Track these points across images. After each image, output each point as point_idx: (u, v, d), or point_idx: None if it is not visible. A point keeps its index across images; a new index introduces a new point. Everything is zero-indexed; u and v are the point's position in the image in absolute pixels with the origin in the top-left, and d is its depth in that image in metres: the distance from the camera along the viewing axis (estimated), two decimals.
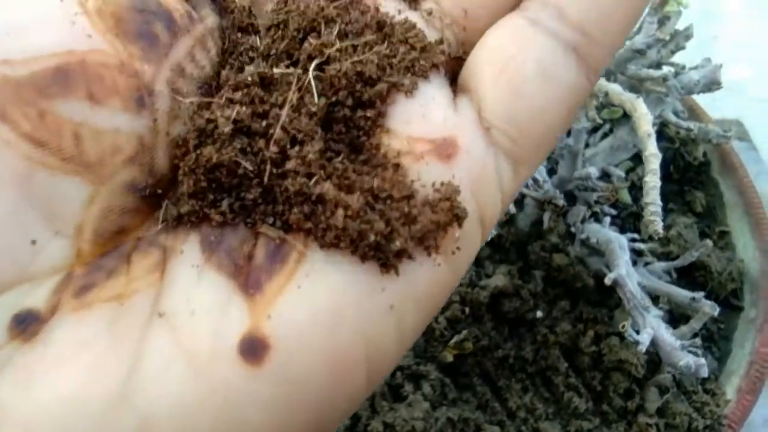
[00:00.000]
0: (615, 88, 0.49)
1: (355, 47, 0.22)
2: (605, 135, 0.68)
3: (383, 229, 0.19)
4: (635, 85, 0.56)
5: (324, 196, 0.19)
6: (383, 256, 0.19)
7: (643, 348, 0.44)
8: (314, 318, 0.18)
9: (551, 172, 0.62)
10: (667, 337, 0.46)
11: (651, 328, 0.46)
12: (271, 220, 0.20)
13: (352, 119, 0.21)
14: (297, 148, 0.21)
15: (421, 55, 0.23)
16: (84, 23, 0.19)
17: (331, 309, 0.19)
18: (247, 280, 0.19)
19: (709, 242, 0.55)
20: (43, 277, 0.18)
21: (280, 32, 0.23)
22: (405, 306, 0.20)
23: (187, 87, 0.21)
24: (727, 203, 0.67)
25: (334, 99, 0.22)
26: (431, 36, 0.25)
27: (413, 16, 0.25)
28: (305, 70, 0.21)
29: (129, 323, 0.18)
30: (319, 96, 0.21)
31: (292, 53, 0.23)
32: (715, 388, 0.57)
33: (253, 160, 0.21)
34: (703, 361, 0.44)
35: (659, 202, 0.39)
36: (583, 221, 0.60)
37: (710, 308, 0.50)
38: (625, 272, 0.50)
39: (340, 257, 0.19)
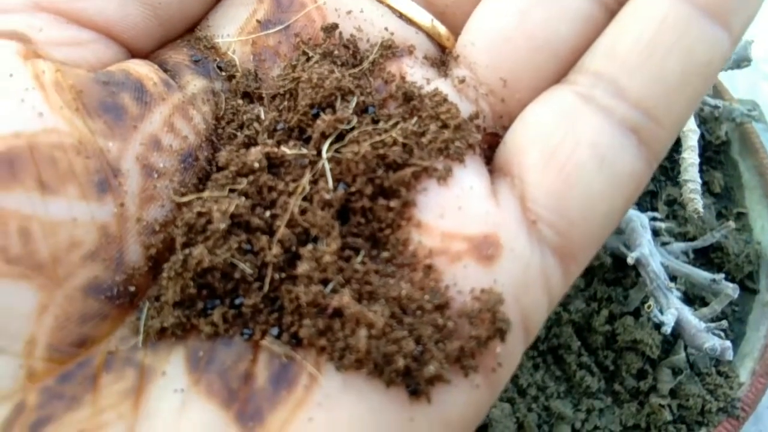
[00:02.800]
0: None
1: (376, 122, 0.19)
2: None
3: (414, 351, 0.16)
4: None
5: (343, 310, 0.16)
6: (413, 382, 0.17)
7: (668, 329, 0.43)
8: None
9: None
10: (692, 318, 0.45)
11: (675, 309, 0.45)
12: (275, 331, 0.17)
13: (372, 210, 0.18)
14: (310, 246, 0.18)
15: (455, 134, 0.20)
16: (36, 99, 0.16)
17: None
18: (245, 408, 0.15)
19: (731, 224, 0.54)
20: None
21: (286, 103, 0.20)
22: None
23: (165, 161, 0.18)
24: (746, 184, 0.66)
25: (352, 188, 0.19)
26: (464, 109, 0.21)
27: (443, 86, 0.22)
28: (318, 152, 0.18)
29: None
30: (335, 182, 0.18)
31: (304, 129, 0.20)
32: (728, 371, 0.57)
33: (253, 260, 0.18)
34: (728, 344, 0.43)
35: (699, 180, 0.37)
36: None
37: (732, 290, 0.49)
38: (648, 251, 0.49)
39: (360, 382, 0.16)
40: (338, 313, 0.17)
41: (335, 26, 0.22)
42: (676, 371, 0.57)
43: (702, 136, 0.69)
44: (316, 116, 0.20)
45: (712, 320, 0.50)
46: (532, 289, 0.19)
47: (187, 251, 0.18)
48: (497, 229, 0.19)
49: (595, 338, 0.58)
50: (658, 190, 0.67)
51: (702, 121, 0.69)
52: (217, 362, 0.17)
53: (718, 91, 0.68)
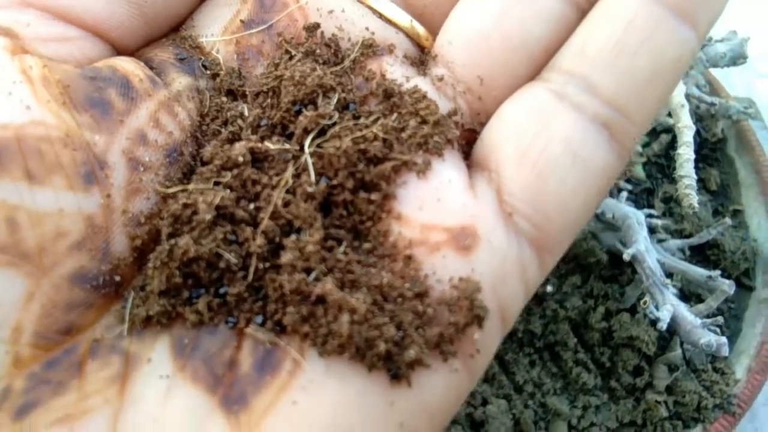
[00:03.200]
0: None
1: (357, 118, 0.20)
2: None
3: (395, 336, 0.17)
4: None
5: (326, 297, 0.17)
6: (394, 366, 0.17)
7: (663, 325, 0.43)
8: None
9: None
10: (687, 314, 0.45)
11: (671, 305, 0.45)
12: (260, 319, 0.17)
13: (353, 203, 0.19)
14: (293, 237, 0.18)
15: (434, 129, 0.20)
16: (23, 93, 0.17)
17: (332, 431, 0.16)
18: (230, 393, 0.16)
19: (727, 220, 0.54)
20: None
21: (269, 100, 0.21)
22: (417, 421, 0.17)
23: (151, 155, 0.19)
24: (743, 182, 0.66)
25: (334, 181, 0.19)
26: (442, 106, 0.22)
27: (422, 84, 0.23)
28: (301, 147, 0.19)
29: None
30: (318, 176, 0.19)
31: (287, 125, 0.21)
32: (724, 367, 0.57)
33: (237, 250, 0.18)
34: (724, 339, 0.43)
35: (694, 175, 0.37)
36: None
37: (728, 287, 0.49)
38: (644, 248, 0.49)
39: (343, 367, 0.17)
40: (321, 300, 0.17)
41: (317, 26, 0.23)
42: (672, 368, 0.57)
43: (698, 134, 0.70)
44: (299, 113, 0.20)
45: (708, 317, 0.50)
46: (509, 279, 0.19)
47: (173, 241, 0.18)
48: (475, 220, 0.19)
49: (591, 335, 0.59)
50: (655, 187, 0.67)
51: (698, 119, 0.69)
52: (201, 349, 0.17)
53: (714, 89, 0.68)
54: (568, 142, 0.20)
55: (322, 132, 0.20)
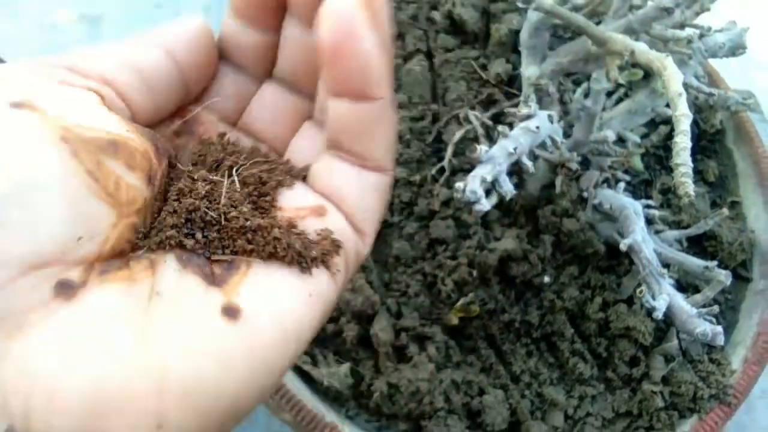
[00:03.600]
0: (641, 47, 0.47)
1: (254, 164, 0.35)
2: (620, 99, 0.66)
3: (303, 243, 0.29)
4: (657, 46, 0.54)
5: (261, 225, 0.29)
6: (304, 260, 0.29)
7: (659, 314, 0.43)
8: (264, 302, 0.27)
9: (565, 135, 0.60)
10: (684, 304, 0.45)
11: (667, 294, 0.45)
12: (220, 252, 0.29)
13: (256, 203, 0.32)
14: (234, 207, 0.31)
15: (294, 168, 0.35)
16: (122, 125, 0.29)
17: (274, 296, 0.27)
18: (214, 280, 0.27)
19: (725, 211, 0.54)
20: (74, 264, 0.25)
21: (200, 166, 0.34)
22: (316, 297, 0.29)
23: (156, 188, 0.31)
24: (740, 173, 0.66)
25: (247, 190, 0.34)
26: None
27: None
28: (230, 176, 0.33)
29: (138, 296, 0.26)
30: (241, 186, 0.33)
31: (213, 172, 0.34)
32: (720, 358, 0.57)
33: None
34: (719, 328, 0.43)
35: (690, 164, 0.37)
36: (595, 186, 0.59)
37: (725, 277, 0.49)
38: (641, 238, 0.49)
39: (275, 265, 0.29)
40: (259, 228, 0.29)
41: (225, 133, 0.36)
42: (668, 358, 0.58)
43: (696, 125, 0.69)
44: (219, 164, 0.34)
45: (704, 307, 0.50)
46: (347, 239, 0.31)
47: (178, 201, 0.29)
48: (323, 203, 0.32)
49: (588, 325, 0.59)
50: (653, 178, 0.67)
51: (697, 110, 0.69)
52: (193, 262, 0.28)
53: (713, 80, 0.68)
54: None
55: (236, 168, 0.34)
